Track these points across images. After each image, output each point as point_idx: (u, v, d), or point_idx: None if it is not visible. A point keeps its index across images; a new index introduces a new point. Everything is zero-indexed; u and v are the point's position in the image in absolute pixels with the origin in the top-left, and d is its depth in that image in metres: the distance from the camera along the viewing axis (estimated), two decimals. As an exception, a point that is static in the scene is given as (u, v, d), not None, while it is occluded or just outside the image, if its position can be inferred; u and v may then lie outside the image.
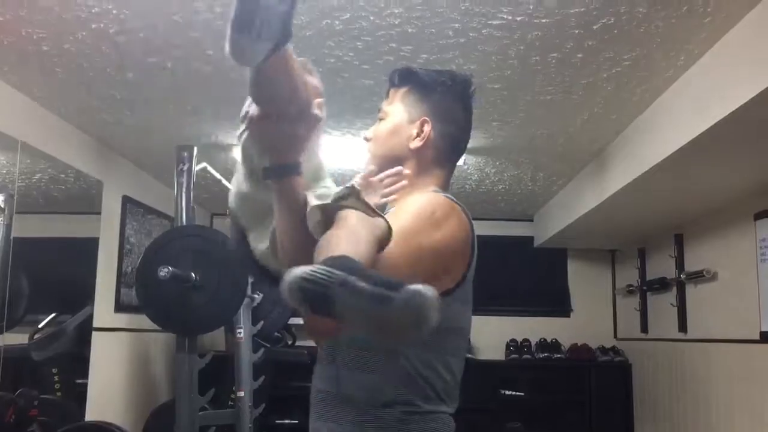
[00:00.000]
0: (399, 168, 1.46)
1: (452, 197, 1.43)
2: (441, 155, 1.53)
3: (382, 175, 1.43)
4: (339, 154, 4.13)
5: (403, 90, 1.54)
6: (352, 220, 1.15)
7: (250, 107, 1.22)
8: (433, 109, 1.51)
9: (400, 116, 1.53)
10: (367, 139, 1.57)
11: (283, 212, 1.25)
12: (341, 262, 0.94)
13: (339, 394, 1.38)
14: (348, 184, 1.22)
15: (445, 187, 1.54)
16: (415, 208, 1.35)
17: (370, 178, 1.40)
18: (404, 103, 1.53)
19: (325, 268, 0.91)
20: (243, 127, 1.25)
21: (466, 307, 1.46)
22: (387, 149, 1.53)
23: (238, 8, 0.97)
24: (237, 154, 4.57)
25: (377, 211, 1.20)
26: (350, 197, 1.19)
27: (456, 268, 1.39)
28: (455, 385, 1.43)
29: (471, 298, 1.48)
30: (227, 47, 0.99)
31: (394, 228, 1.21)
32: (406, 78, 1.55)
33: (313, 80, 1.25)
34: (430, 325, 0.89)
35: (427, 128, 1.50)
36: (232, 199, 1.42)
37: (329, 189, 1.30)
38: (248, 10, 0.97)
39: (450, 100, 1.54)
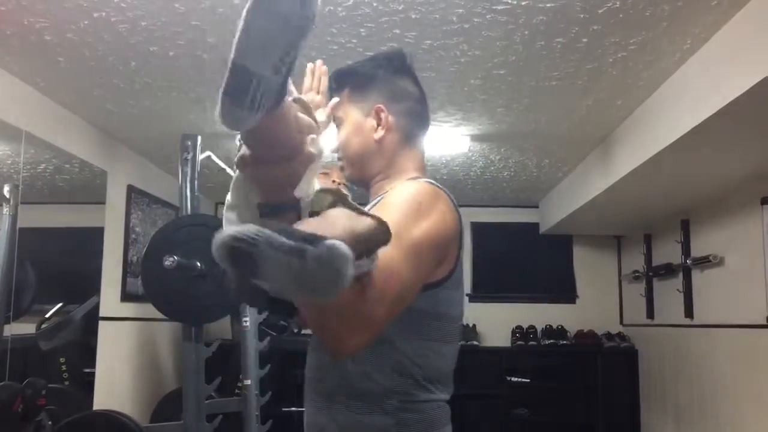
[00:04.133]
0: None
1: (433, 182, 1.40)
2: (407, 135, 1.50)
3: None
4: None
5: (346, 91, 1.51)
6: (334, 212, 1.13)
7: (241, 149, 1.19)
8: (382, 95, 1.48)
9: (355, 115, 1.49)
10: (334, 151, 1.54)
11: None
12: (279, 227, 0.91)
13: (327, 382, 1.37)
14: (327, 187, 1.20)
15: (422, 168, 1.52)
16: (399, 203, 1.31)
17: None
18: (353, 102, 1.50)
19: (256, 227, 0.88)
20: (235, 167, 1.23)
21: (459, 291, 1.43)
22: (356, 152, 1.50)
23: (230, 81, 0.91)
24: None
25: (365, 211, 1.17)
26: (334, 201, 1.17)
27: (450, 254, 1.36)
28: (450, 372, 1.42)
29: (462, 280, 1.44)
30: (218, 114, 0.94)
31: None
32: (343, 79, 1.52)
33: (305, 118, 1.22)
34: (344, 280, 0.87)
35: (383, 115, 1.47)
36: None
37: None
38: (241, 83, 0.91)
39: (394, 79, 1.50)
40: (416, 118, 1.52)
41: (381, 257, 1.13)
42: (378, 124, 1.47)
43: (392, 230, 1.13)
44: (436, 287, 1.32)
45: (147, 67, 3.08)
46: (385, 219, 1.11)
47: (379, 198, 1.43)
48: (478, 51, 2.85)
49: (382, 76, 1.49)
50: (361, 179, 1.54)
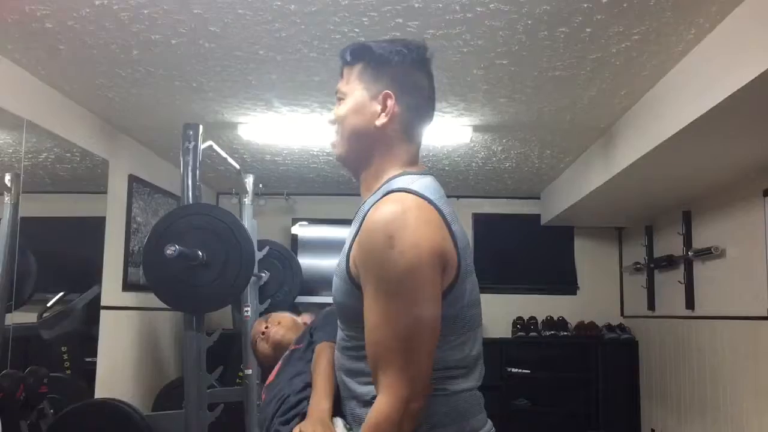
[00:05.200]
0: None
1: (418, 191, 1.33)
2: (409, 128, 1.45)
3: None
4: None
5: (358, 67, 1.46)
6: None
7: None
8: (394, 82, 1.43)
9: (361, 94, 1.45)
10: (331, 123, 1.52)
11: None
12: None
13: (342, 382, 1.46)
14: None
15: (414, 161, 1.47)
16: (369, 249, 1.28)
17: None
18: (362, 80, 1.45)
19: None
20: None
21: (470, 279, 1.39)
22: (352, 130, 1.46)
23: None
24: (243, 132, 4.54)
25: None
26: None
27: (449, 264, 1.30)
28: (474, 357, 1.40)
29: (471, 267, 1.41)
30: None
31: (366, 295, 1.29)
32: (359, 54, 1.47)
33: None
34: None
35: (390, 103, 1.42)
36: None
37: None
38: None
39: (409, 69, 1.45)
40: (421, 114, 1.48)
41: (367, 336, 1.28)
42: (382, 111, 1.43)
43: (373, 297, 1.27)
44: (447, 294, 1.31)
45: (149, 56, 3.07)
46: (365, 282, 1.28)
47: (361, 218, 1.37)
48: (481, 41, 2.84)
49: (399, 63, 1.44)
50: (350, 161, 1.50)
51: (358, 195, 1.48)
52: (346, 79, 1.48)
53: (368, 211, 1.34)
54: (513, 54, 2.98)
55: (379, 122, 1.43)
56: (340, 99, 1.49)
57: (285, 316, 2.44)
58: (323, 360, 1.64)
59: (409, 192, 1.33)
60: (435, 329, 1.27)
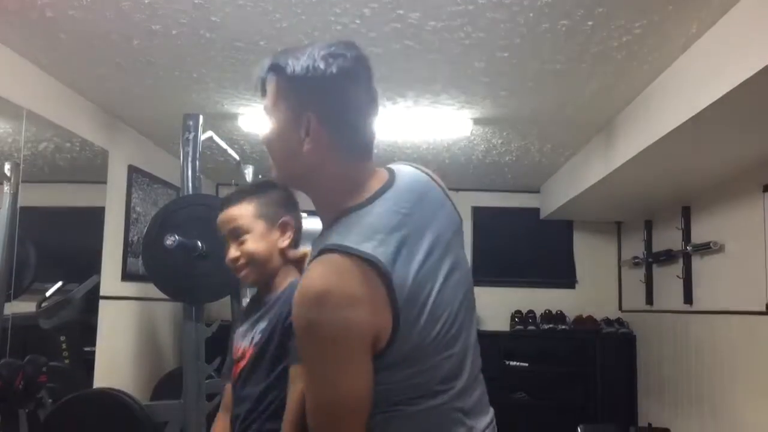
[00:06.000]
0: None
1: (352, 248, 1.16)
2: (352, 149, 1.26)
3: None
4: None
5: (274, 81, 1.27)
6: None
7: None
8: (318, 100, 1.23)
9: (283, 113, 1.26)
10: (263, 143, 1.34)
11: None
12: None
13: None
14: None
15: (370, 187, 1.27)
16: (296, 330, 1.19)
17: None
18: (281, 97, 1.26)
19: None
20: None
21: (424, 321, 1.21)
22: (279, 155, 1.29)
23: None
24: (243, 123, 4.51)
25: None
26: None
27: (380, 330, 1.16)
28: (450, 370, 1.26)
29: (425, 308, 1.21)
30: None
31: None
32: (274, 68, 1.27)
33: None
34: None
35: (313, 125, 1.22)
36: None
37: None
38: None
39: (340, 81, 1.22)
40: (362, 129, 1.27)
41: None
42: (306, 135, 1.23)
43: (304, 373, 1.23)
44: (382, 358, 1.18)
45: (149, 46, 3.07)
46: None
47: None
48: (483, 33, 2.84)
49: (321, 77, 1.21)
50: (292, 187, 1.45)
51: None
52: (268, 92, 1.29)
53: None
54: (514, 47, 2.97)
55: (305, 148, 1.24)
56: (266, 114, 1.31)
57: (243, 214, 1.81)
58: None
59: (340, 255, 1.17)
60: (351, 392, 1.19)
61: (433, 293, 1.22)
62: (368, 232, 1.19)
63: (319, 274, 1.17)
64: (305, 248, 1.77)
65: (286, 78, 1.25)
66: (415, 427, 1.24)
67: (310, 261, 1.23)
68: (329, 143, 1.24)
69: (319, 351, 1.16)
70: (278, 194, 1.83)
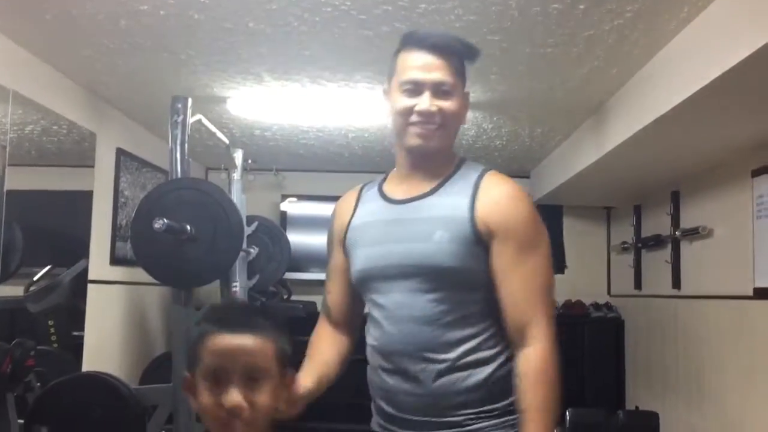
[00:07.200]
0: None
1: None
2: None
3: None
4: (336, 107, 4.09)
5: (455, 62, 1.62)
6: None
7: None
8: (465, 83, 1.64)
9: (460, 91, 1.63)
10: (430, 114, 1.59)
11: None
12: None
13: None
14: None
15: None
16: (516, 213, 1.67)
17: None
18: (460, 77, 1.62)
19: None
20: None
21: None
22: (456, 128, 1.66)
23: None
24: (232, 106, 4.48)
25: None
26: None
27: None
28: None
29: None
30: None
31: None
32: (461, 50, 1.64)
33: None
34: None
35: (467, 102, 1.67)
36: None
37: None
38: None
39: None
40: None
41: None
42: (466, 110, 1.65)
43: None
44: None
45: (137, 27, 3.03)
46: None
47: (471, 187, 1.64)
48: (473, 16, 2.82)
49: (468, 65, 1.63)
50: (441, 155, 1.64)
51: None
52: (449, 71, 1.59)
53: (479, 182, 1.57)
54: (505, 30, 2.96)
55: (464, 120, 1.67)
56: (445, 90, 1.59)
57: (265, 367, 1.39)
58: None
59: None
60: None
61: None
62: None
63: (510, 181, 1.64)
64: None
65: (467, 62, 1.64)
66: None
67: (481, 176, 1.60)
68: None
69: (545, 239, 1.58)
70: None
